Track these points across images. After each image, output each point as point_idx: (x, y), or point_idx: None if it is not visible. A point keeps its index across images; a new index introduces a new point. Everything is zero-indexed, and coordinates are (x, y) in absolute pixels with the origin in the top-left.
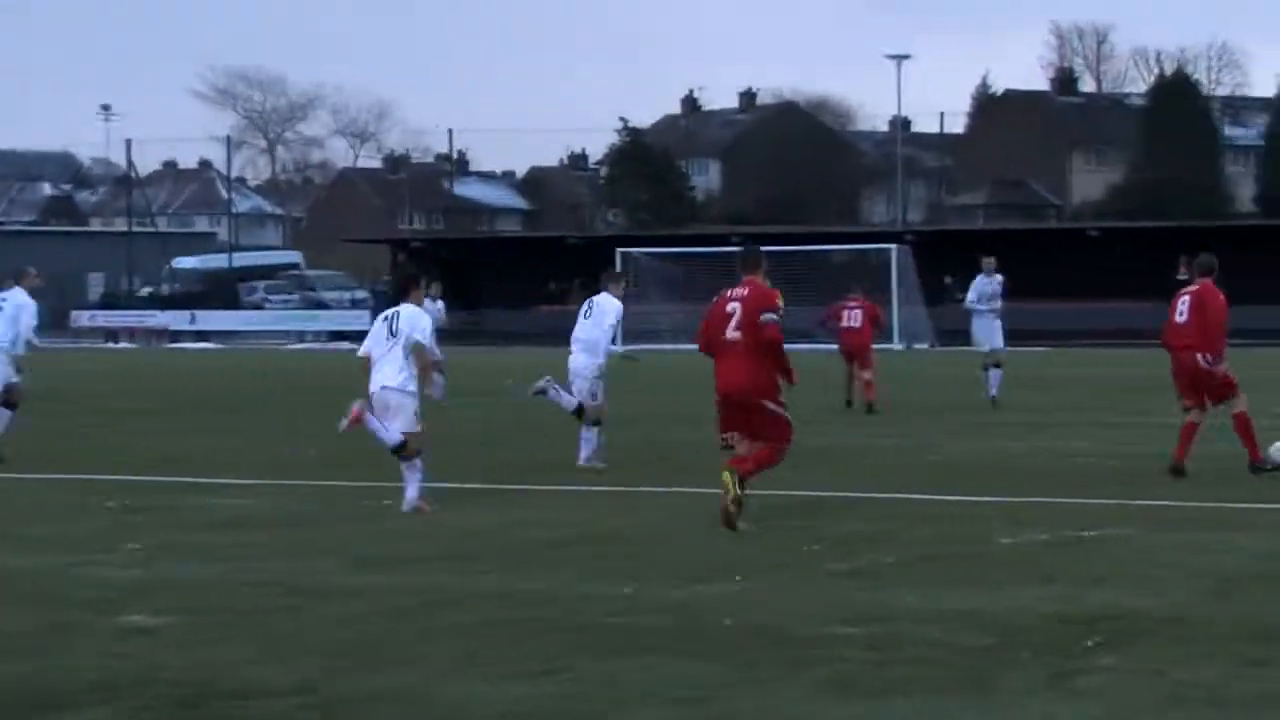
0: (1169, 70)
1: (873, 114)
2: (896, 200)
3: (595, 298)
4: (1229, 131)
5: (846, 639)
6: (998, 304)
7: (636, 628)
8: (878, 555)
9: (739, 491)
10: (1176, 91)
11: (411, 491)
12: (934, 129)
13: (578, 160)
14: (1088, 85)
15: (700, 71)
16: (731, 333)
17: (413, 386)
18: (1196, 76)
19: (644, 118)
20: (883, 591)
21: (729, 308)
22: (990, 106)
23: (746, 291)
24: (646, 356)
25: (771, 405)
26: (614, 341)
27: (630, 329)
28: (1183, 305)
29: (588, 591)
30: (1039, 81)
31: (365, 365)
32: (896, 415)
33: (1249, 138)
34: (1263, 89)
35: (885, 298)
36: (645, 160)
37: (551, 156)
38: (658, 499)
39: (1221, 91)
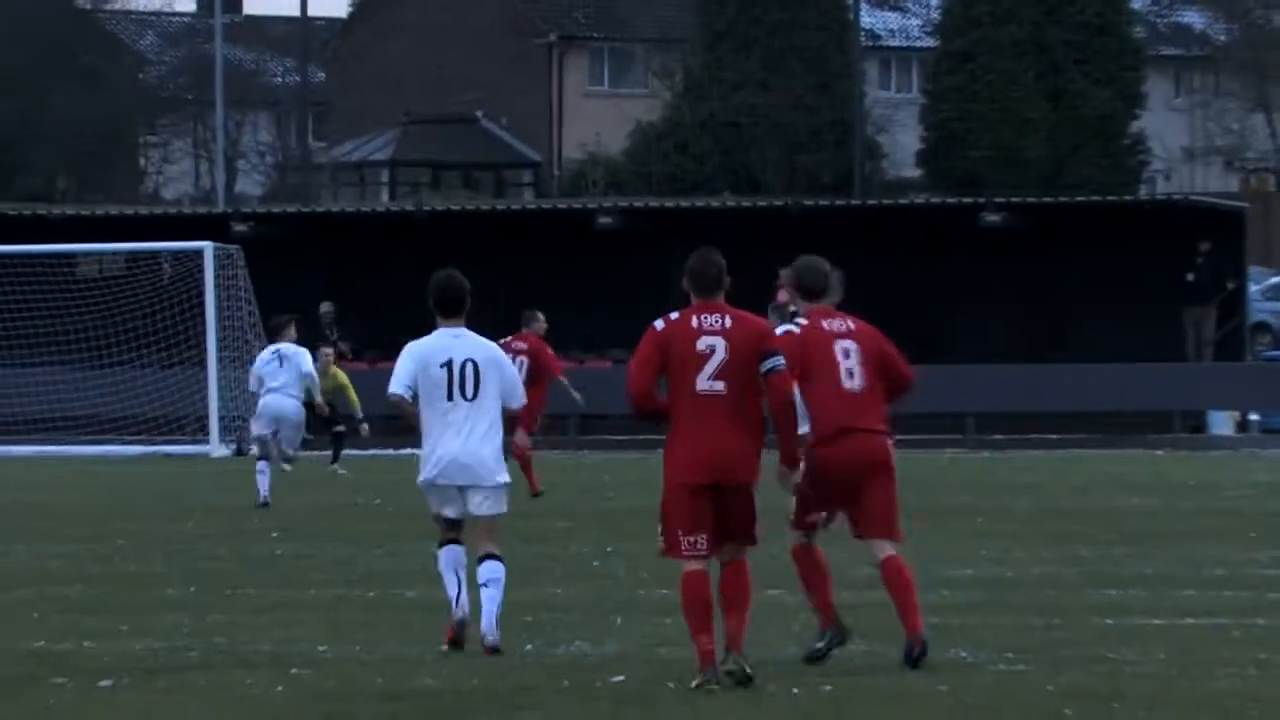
0: None
1: None
2: (217, 158)
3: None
4: (871, 21)
5: None
6: None
7: None
8: None
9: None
10: None
11: None
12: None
13: None
14: None
15: None
16: (708, 383)
17: None
18: None
19: None
20: None
21: (703, 344)
22: None
23: (730, 321)
24: None
25: (754, 491)
26: None
27: None
28: (847, 357)
29: None
30: None
31: None
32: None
33: (909, 31)
34: None
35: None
36: None
37: None
38: None
39: None
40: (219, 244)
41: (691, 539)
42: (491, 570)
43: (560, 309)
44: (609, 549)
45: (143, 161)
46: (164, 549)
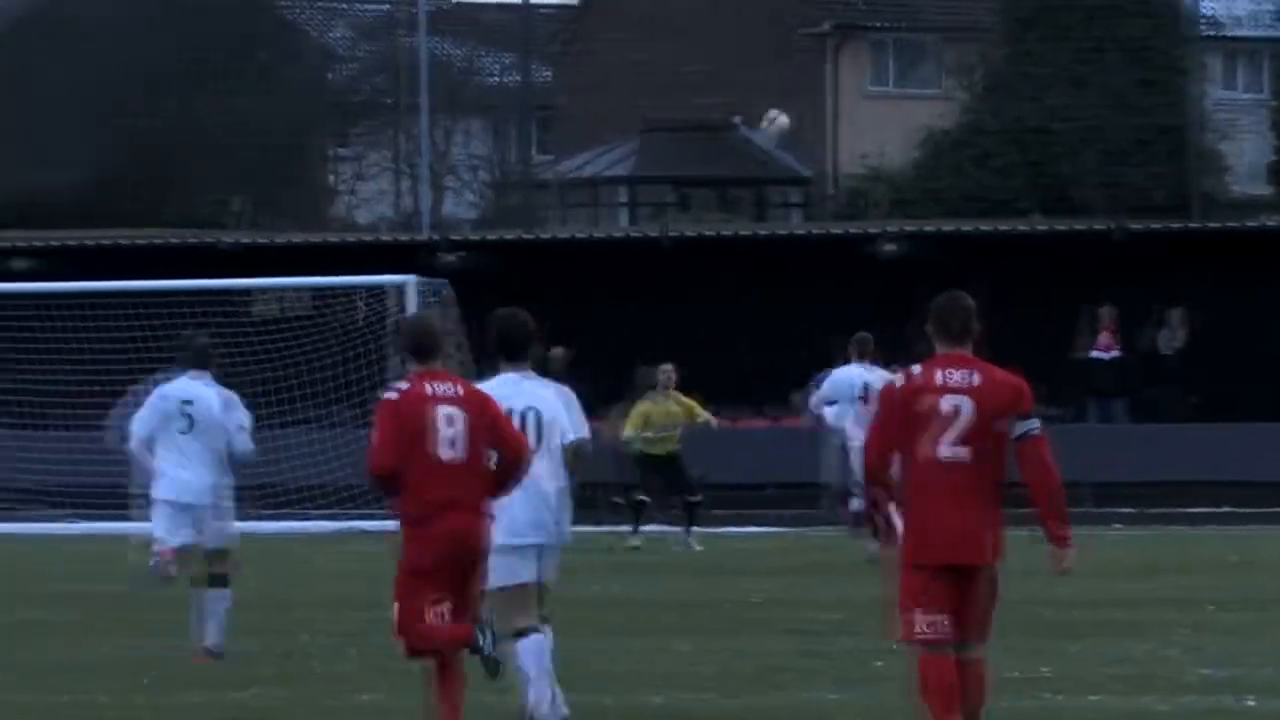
0: None
1: None
2: (421, 175)
3: None
4: (1213, 6)
5: None
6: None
7: None
8: None
9: None
10: None
11: None
12: None
13: None
14: None
15: None
16: (951, 449)
17: None
18: None
19: None
20: None
21: (946, 404)
22: None
23: (979, 378)
24: None
25: (996, 575)
26: None
27: None
28: (450, 425)
29: None
30: None
31: None
32: None
33: (1260, 19)
34: None
35: None
36: None
37: None
38: None
39: None
40: (424, 278)
41: (931, 619)
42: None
43: (833, 353)
44: (894, 645)
45: (332, 179)
46: (359, 644)
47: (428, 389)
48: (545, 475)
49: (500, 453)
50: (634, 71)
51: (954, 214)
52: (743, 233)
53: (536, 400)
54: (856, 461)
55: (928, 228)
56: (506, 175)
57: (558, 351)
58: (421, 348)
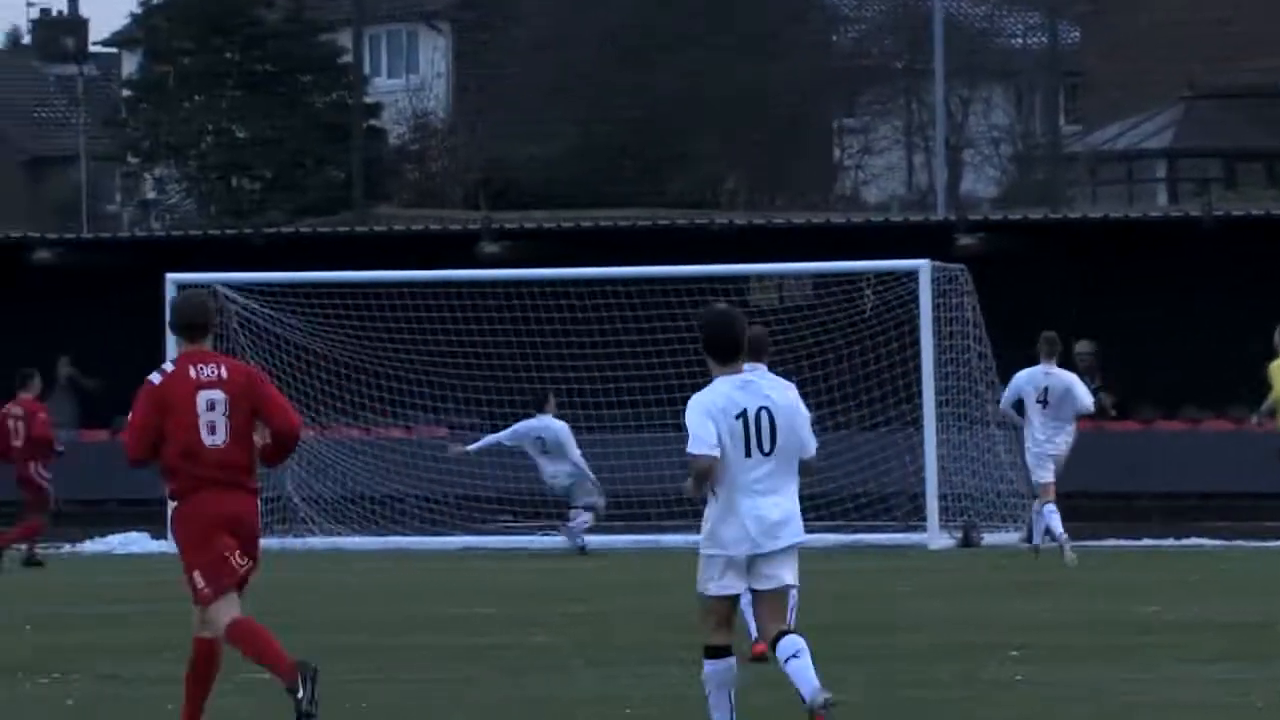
0: None
1: None
2: (936, 148)
3: None
4: None
5: None
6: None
7: None
8: None
9: None
10: None
11: None
12: None
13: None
14: None
15: None
16: None
17: None
18: None
19: None
20: None
21: None
22: None
23: None
24: None
25: None
26: None
27: None
28: (211, 409)
29: None
30: None
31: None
32: None
33: None
34: None
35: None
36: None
37: None
38: None
39: None
40: (939, 262)
41: None
42: (793, 643)
43: None
44: None
45: (838, 153)
46: (856, 669)
47: (191, 373)
48: (780, 474)
49: (270, 428)
50: (1174, 32)
51: None
52: None
53: (766, 400)
54: (1033, 464)
55: None
56: (1030, 148)
57: (1084, 345)
58: (190, 326)
